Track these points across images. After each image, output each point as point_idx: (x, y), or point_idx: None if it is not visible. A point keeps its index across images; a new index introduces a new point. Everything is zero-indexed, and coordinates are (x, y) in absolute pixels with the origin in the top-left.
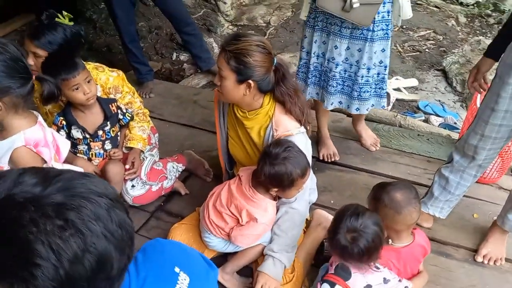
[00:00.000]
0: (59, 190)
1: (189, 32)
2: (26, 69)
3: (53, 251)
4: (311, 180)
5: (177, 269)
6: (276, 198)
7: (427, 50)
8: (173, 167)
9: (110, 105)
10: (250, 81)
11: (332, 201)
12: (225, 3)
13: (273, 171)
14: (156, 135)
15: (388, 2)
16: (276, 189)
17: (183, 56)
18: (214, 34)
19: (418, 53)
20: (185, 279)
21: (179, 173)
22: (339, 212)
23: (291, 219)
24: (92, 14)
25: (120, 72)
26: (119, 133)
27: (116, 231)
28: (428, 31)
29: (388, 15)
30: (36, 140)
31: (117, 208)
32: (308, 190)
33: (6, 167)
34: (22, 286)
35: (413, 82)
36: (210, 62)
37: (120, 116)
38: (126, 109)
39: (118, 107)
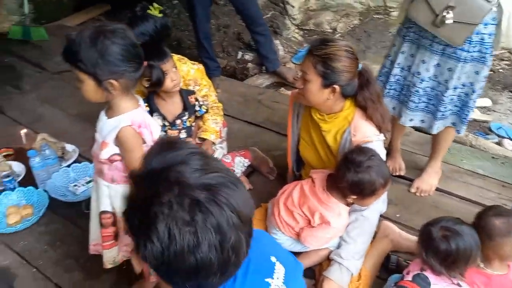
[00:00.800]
0: (205, 188)
1: (261, 32)
2: (140, 55)
3: (169, 237)
4: None
5: (273, 259)
6: (350, 204)
7: (501, 70)
8: (240, 162)
9: (189, 97)
10: (335, 85)
11: (397, 215)
12: (293, 6)
13: (356, 179)
14: (226, 128)
15: (492, 24)
16: (354, 197)
17: (248, 56)
18: (280, 36)
19: (491, 72)
20: (280, 269)
21: (245, 168)
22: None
23: (361, 227)
24: (166, 9)
25: (200, 66)
26: (193, 124)
27: (227, 251)
28: (503, 51)
29: (490, 38)
30: (139, 122)
31: (241, 231)
32: (381, 199)
33: (111, 143)
34: (139, 249)
35: (486, 102)
36: (276, 63)
37: (197, 108)
38: (203, 101)
39: (196, 99)
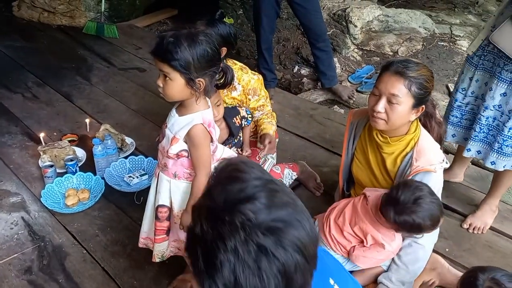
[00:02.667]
0: (271, 232)
1: (322, 48)
2: (220, 57)
3: (235, 282)
4: None
5: (331, 281)
6: None
7: None
8: (289, 174)
9: (234, 118)
10: (423, 106)
11: (447, 249)
12: (355, 26)
13: (398, 221)
14: (277, 139)
15: None
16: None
17: (304, 71)
18: (338, 54)
19: None
20: None
21: (292, 180)
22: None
23: (414, 253)
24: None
25: (260, 76)
26: (241, 137)
27: None
28: None
29: None
30: (209, 121)
31: (306, 271)
32: (438, 229)
33: (181, 140)
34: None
35: None
36: (334, 80)
37: (244, 123)
38: (250, 114)
39: (242, 117)
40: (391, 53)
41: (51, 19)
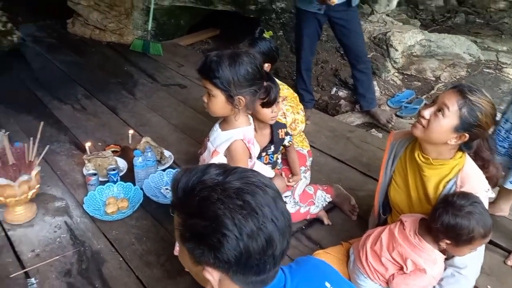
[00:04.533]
0: (237, 179)
1: (363, 70)
2: (263, 76)
3: (236, 225)
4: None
5: (327, 284)
6: (443, 250)
7: None
8: (322, 196)
9: (279, 130)
10: (466, 134)
11: (488, 286)
12: (396, 50)
13: (453, 222)
14: (311, 158)
15: None
16: (448, 242)
17: (342, 93)
18: (378, 77)
19: None
20: None
21: (326, 203)
22: None
23: (456, 283)
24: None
25: (295, 94)
26: (279, 159)
27: (280, 217)
28: None
29: None
30: (249, 138)
31: (280, 199)
32: (482, 260)
33: (221, 153)
34: (210, 254)
35: None
36: (373, 103)
37: (286, 142)
38: (290, 136)
39: (286, 133)
40: (433, 79)
41: (102, 36)
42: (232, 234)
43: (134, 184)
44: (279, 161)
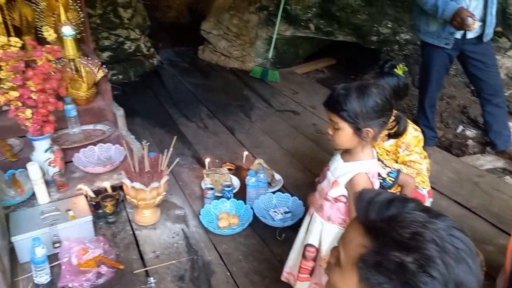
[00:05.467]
0: (445, 222)
1: (499, 104)
2: (392, 107)
3: (447, 270)
4: None
5: None
6: None
7: None
8: None
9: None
10: None
11: None
12: None
13: None
14: (431, 199)
15: None
16: None
17: (470, 132)
18: None
19: None
20: None
21: None
22: None
23: None
24: None
25: (421, 135)
26: None
27: (479, 276)
28: None
29: None
30: (373, 172)
31: (474, 260)
32: None
33: (342, 185)
34: None
35: None
36: (509, 141)
37: (384, 175)
38: (393, 178)
39: (383, 178)
40: None
41: (226, 62)
42: (440, 278)
43: (245, 203)
44: None
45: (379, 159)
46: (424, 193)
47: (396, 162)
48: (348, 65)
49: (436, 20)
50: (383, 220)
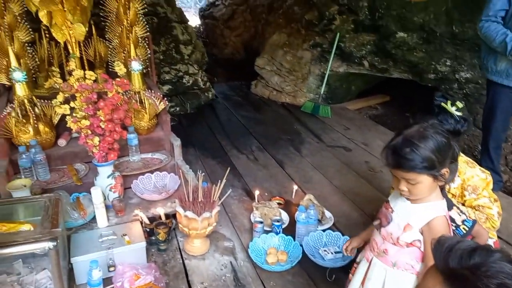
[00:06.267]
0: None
1: None
2: (450, 139)
3: None
4: None
5: None
6: None
7: None
8: None
9: None
10: None
11: None
12: None
13: None
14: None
15: None
16: None
17: None
18: None
19: None
20: None
21: None
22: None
23: None
24: None
25: (489, 177)
26: None
27: None
28: None
29: None
30: (448, 213)
31: None
32: None
33: (415, 228)
34: None
35: None
36: None
37: (459, 223)
38: (468, 227)
39: (456, 225)
40: None
41: (278, 97)
42: None
43: (294, 239)
44: None
45: (454, 205)
46: (490, 243)
47: (463, 205)
48: (403, 102)
49: (505, 58)
50: (465, 269)
